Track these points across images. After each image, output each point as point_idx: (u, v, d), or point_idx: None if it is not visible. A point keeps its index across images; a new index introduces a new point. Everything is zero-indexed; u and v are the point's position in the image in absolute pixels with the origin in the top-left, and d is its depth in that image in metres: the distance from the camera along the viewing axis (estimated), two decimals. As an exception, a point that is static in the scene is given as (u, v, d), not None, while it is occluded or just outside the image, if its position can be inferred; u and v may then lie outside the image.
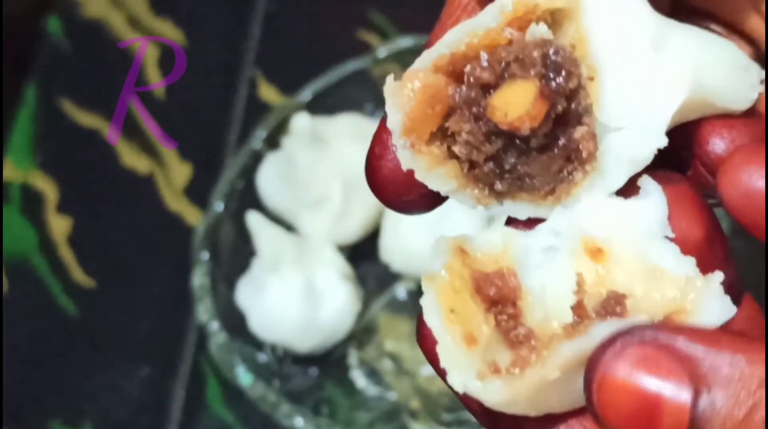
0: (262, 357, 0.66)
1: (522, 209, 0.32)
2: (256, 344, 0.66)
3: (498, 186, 0.31)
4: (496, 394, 0.28)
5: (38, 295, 0.75)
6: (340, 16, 0.86)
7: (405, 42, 0.75)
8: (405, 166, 0.31)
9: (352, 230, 0.70)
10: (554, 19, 0.31)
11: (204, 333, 0.66)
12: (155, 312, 0.73)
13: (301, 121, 0.69)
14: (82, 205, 0.79)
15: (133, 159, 0.81)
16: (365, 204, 0.69)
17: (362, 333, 0.68)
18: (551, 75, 0.30)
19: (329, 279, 0.66)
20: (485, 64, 0.30)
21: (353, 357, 0.67)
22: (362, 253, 0.70)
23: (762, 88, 0.32)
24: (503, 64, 0.30)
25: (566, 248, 0.31)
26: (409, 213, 0.32)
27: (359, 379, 0.67)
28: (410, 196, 0.31)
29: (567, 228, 0.31)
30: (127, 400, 0.70)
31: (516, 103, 0.30)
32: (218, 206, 0.70)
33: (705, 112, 0.31)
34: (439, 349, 0.29)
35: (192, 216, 0.77)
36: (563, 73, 0.30)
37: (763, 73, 0.32)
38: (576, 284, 0.30)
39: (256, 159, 0.72)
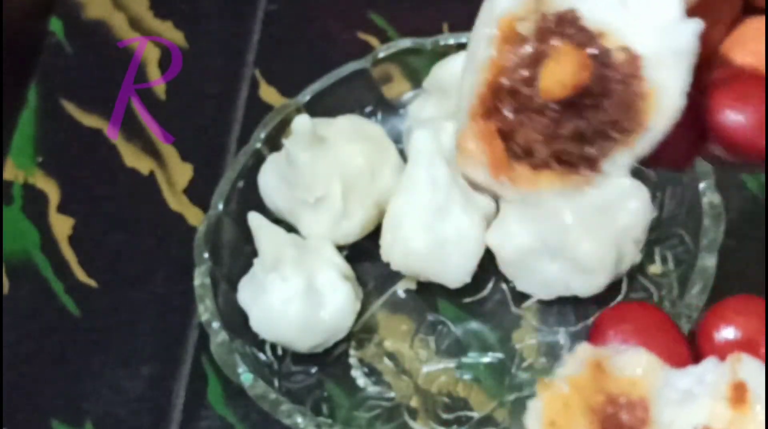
0: (263, 356, 0.67)
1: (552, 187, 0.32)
2: (257, 343, 0.67)
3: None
4: None
5: (40, 295, 0.75)
6: (341, 17, 0.86)
7: (405, 43, 0.75)
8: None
9: (352, 230, 0.70)
10: None
11: (205, 332, 0.66)
12: (156, 311, 0.74)
13: (301, 122, 0.69)
14: (83, 205, 0.80)
15: (134, 159, 0.81)
16: (365, 204, 0.70)
17: (362, 332, 0.68)
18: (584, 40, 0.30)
19: (329, 279, 0.66)
20: (518, 70, 0.31)
21: (353, 356, 0.68)
22: (362, 253, 0.71)
23: None
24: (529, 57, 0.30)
25: (708, 394, 0.30)
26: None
27: (359, 378, 0.67)
28: None
29: (715, 376, 0.30)
30: (128, 399, 0.70)
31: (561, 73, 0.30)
32: (219, 206, 0.70)
33: None
34: None
35: (193, 216, 0.77)
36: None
37: None
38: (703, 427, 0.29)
39: (257, 159, 0.72)
